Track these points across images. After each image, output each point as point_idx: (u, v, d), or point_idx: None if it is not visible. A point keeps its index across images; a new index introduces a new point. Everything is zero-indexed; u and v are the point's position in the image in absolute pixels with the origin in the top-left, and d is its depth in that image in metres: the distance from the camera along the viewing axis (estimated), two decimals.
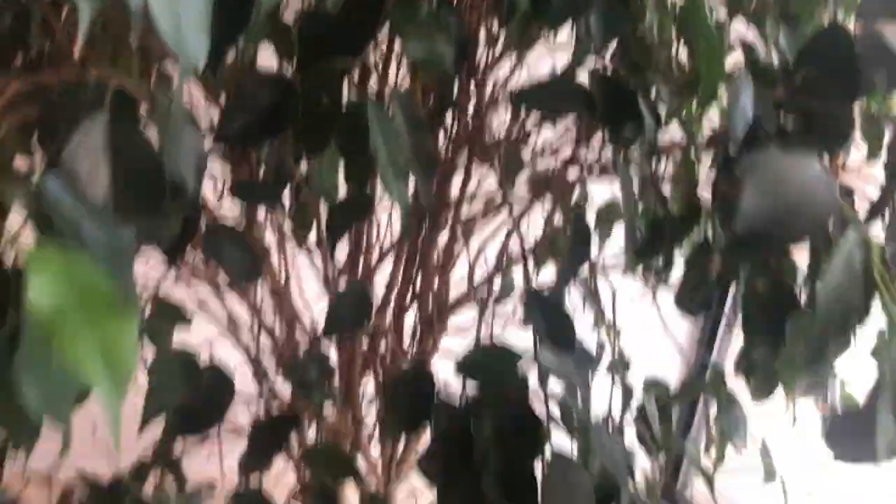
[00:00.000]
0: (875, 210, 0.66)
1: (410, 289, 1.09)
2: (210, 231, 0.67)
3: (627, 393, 0.87)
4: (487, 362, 0.64)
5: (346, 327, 0.73)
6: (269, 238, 1.00)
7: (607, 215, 1.17)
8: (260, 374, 0.86)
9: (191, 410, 0.68)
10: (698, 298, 0.86)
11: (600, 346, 1.01)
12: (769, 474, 1.23)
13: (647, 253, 0.87)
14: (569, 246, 0.69)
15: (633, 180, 0.70)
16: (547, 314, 0.68)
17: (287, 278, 0.97)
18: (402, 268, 1.06)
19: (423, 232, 1.02)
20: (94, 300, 0.29)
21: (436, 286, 1.08)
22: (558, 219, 1.17)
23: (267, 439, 0.66)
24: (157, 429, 0.92)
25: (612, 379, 0.95)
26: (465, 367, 0.63)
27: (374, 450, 1.08)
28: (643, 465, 1.02)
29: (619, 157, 0.65)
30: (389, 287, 1.07)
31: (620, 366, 1.00)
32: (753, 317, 0.77)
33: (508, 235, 1.08)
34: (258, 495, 0.63)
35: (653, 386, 1.14)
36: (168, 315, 0.74)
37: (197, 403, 0.68)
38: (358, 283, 0.74)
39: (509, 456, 0.61)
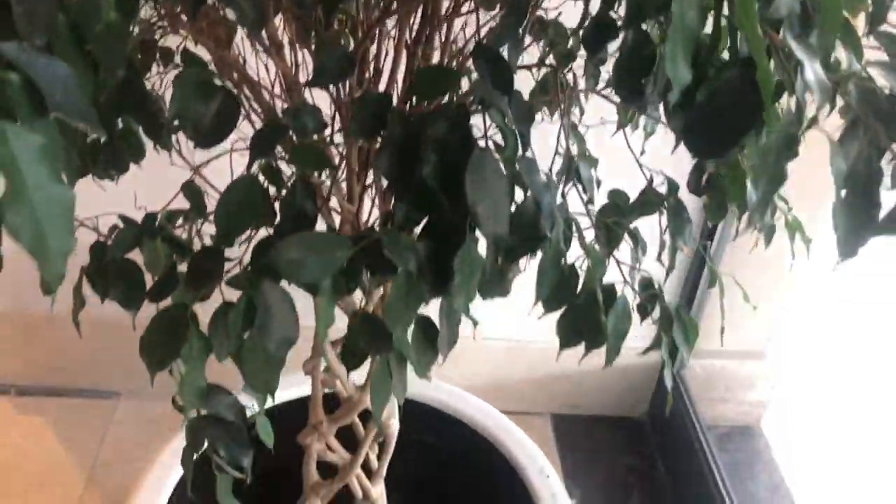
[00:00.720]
0: None
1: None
2: None
3: (570, 161, 1.04)
4: (432, 79, 0.81)
5: (331, 79, 0.91)
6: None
7: None
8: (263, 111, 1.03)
9: (206, 126, 0.87)
10: (628, 84, 1.00)
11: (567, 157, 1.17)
12: (713, 279, 1.40)
13: (592, 42, 1.02)
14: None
15: None
16: (488, 59, 0.84)
17: (297, 67, 1.15)
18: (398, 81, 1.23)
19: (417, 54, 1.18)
20: None
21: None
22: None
23: (265, 142, 0.84)
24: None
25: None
26: (413, 87, 0.81)
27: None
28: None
29: None
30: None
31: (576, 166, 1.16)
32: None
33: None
34: (255, 177, 0.82)
35: (612, 192, 1.32)
36: (192, 63, 0.93)
37: (212, 119, 0.86)
38: (337, 44, 0.90)
39: (444, 155, 0.79)
